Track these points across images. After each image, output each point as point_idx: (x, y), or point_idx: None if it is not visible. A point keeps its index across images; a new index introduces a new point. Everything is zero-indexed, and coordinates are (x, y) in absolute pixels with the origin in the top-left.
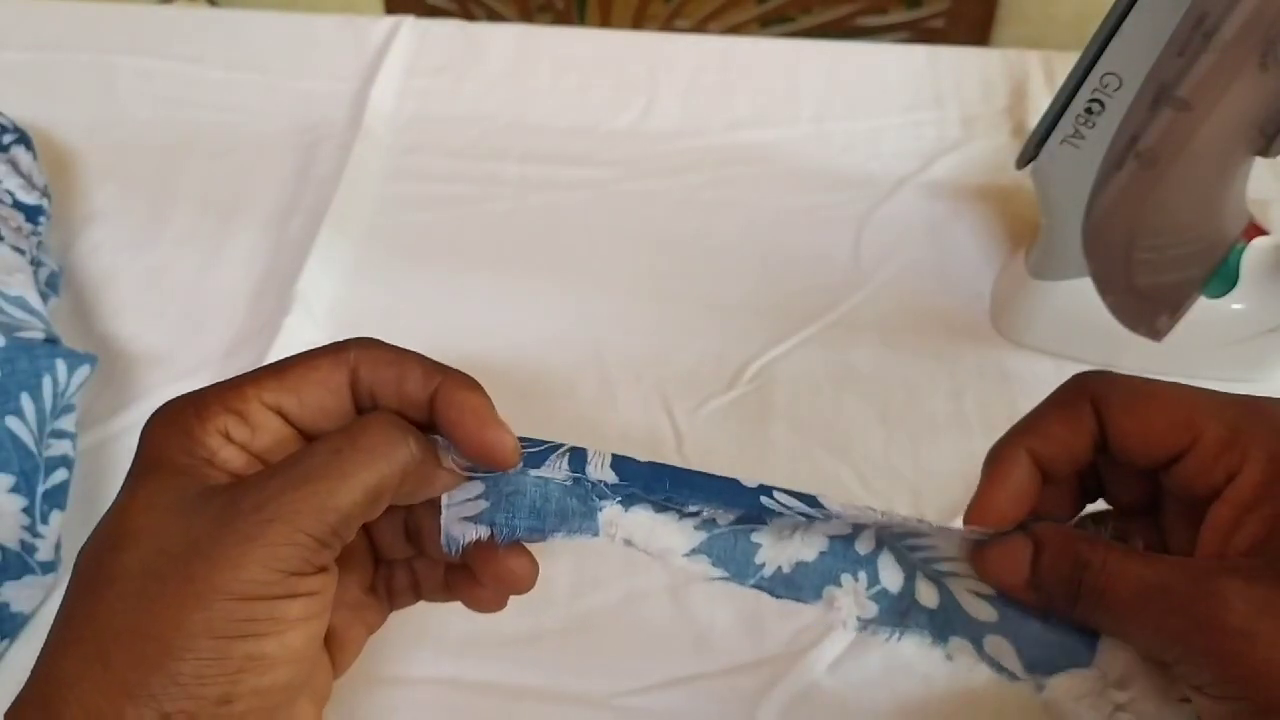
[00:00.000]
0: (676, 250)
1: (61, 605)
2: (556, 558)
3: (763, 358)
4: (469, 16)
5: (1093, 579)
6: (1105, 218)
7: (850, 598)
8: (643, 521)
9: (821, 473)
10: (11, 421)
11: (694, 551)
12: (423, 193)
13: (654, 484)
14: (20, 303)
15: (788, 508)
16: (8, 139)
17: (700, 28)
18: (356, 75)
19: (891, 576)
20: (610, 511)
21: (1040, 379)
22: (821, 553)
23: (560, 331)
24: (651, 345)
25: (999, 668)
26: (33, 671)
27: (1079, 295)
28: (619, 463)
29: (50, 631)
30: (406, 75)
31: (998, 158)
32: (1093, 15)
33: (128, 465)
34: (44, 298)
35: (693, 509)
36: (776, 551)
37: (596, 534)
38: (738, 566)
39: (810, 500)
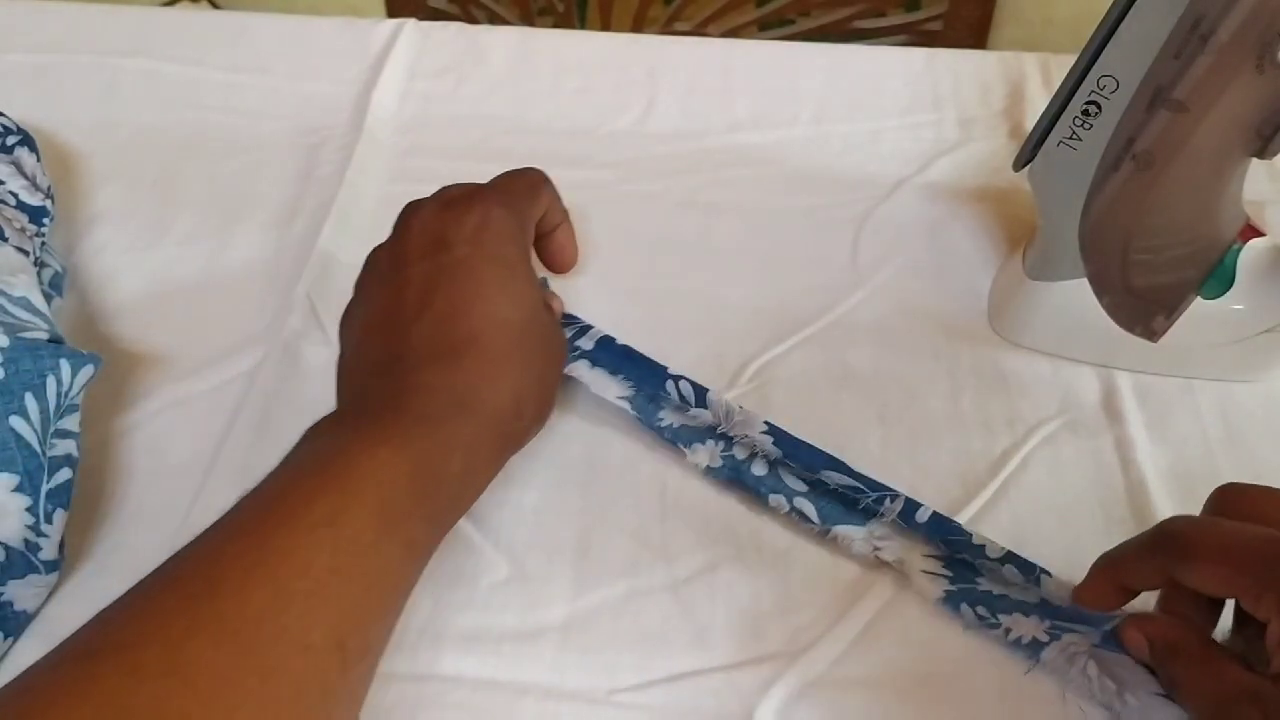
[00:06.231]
0: (676, 250)
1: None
2: (559, 555)
3: (762, 358)
4: (470, 19)
5: (1178, 673)
6: (1102, 219)
7: (706, 453)
8: (598, 376)
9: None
10: (16, 421)
11: (621, 398)
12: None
13: (606, 354)
14: (24, 304)
15: (682, 396)
16: (11, 141)
17: (700, 30)
18: (359, 77)
19: (740, 452)
20: (577, 367)
21: (1037, 379)
22: (697, 425)
23: None
24: (651, 345)
25: (801, 516)
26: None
27: (1076, 296)
28: (600, 342)
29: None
30: (408, 77)
31: (995, 159)
32: (1089, 18)
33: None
34: (48, 298)
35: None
36: (672, 417)
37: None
38: (647, 416)
39: (700, 393)
